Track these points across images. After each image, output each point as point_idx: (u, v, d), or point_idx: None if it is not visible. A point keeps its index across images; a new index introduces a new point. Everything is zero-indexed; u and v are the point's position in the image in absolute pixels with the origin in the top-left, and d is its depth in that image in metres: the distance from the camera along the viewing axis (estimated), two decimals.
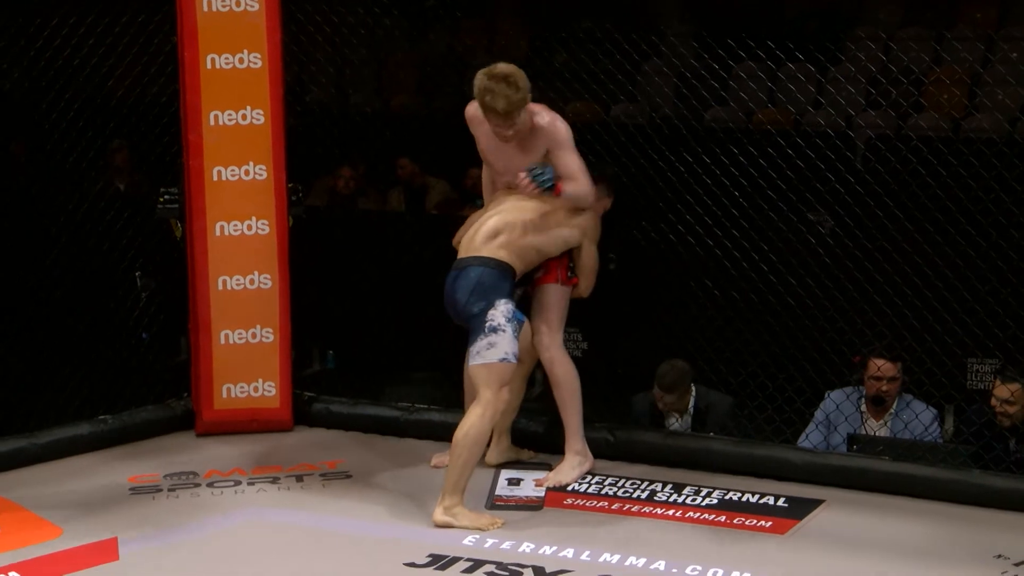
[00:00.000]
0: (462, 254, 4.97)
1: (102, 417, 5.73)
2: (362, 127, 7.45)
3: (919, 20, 7.87)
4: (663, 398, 5.89)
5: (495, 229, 4.92)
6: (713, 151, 6.08)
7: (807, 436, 5.69)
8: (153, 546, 4.54)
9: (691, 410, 5.91)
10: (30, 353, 6.56)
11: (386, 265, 7.09)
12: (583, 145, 7.00)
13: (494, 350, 4.72)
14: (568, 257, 5.12)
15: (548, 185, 4.89)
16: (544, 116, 4.98)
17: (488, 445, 4.99)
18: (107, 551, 4.46)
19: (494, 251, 4.87)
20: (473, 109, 5.04)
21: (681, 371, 5.90)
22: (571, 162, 4.99)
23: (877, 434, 5.59)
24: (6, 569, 4.30)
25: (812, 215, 6.59)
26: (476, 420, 4.70)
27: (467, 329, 4.85)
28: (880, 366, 5.63)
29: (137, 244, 6.39)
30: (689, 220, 6.07)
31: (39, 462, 5.32)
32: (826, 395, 5.77)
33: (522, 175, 4.87)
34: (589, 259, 5.15)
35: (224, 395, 5.84)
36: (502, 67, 4.85)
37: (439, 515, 4.67)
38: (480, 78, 4.84)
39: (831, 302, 5.99)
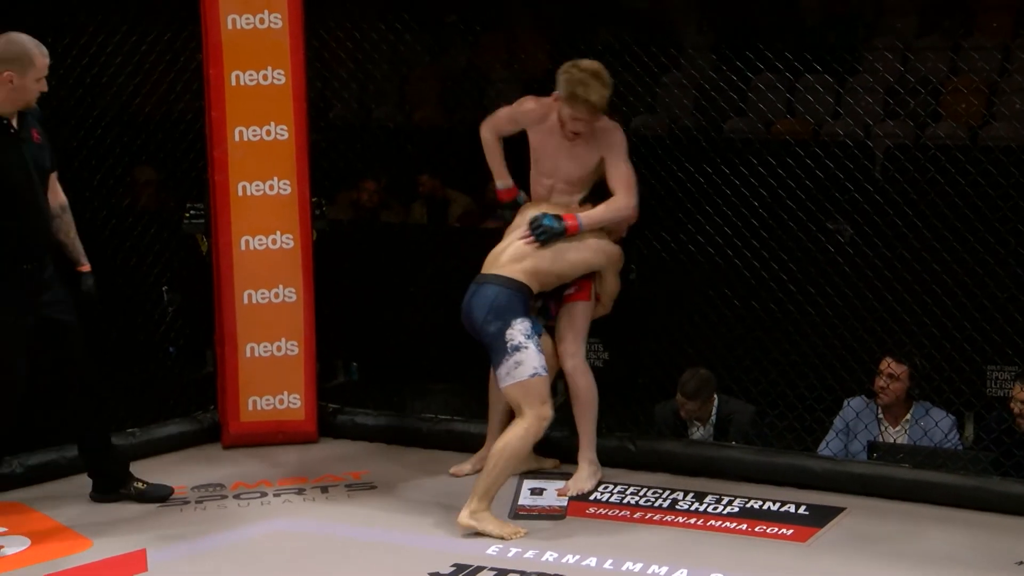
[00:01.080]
0: (486, 269, 4.99)
1: (130, 430, 5.76)
2: (384, 141, 7.47)
3: (936, 30, 7.85)
4: (685, 405, 5.89)
5: (523, 254, 4.93)
6: (732, 162, 6.08)
7: (827, 444, 5.68)
8: (181, 557, 4.57)
9: (713, 418, 5.91)
10: (58, 367, 6.59)
11: (409, 277, 7.11)
12: None
13: (522, 367, 4.73)
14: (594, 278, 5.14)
15: (550, 234, 4.91)
16: (608, 121, 4.98)
17: None
18: (136, 562, 4.49)
19: (515, 272, 4.89)
20: (535, 103, 5.03)
21: (703, 378, 5.90)
22: (625, 171, 4.98)
23: (896, 441, 5.58)
24: None
25: (831, 224, 6.58)
26: (517, 434, 4.72)
27: (484, 345, 4.85)
28: (885, 363, 5.63)
29: (164, 259, 6.43)
30: (709, 231, 6.07)
31: (69, 475, 5.36)
32: (845, 403, 5.76)
33: (525, 236, 4.97)
34: (612, 287, 5.21)
35: (250, 408, 5.87)
36: (591, 63, 4.87)
37: (465, 517, 4.68)
38: (571, 71, 4.84)
39: (850, 310, 5.97)
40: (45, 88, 4.54)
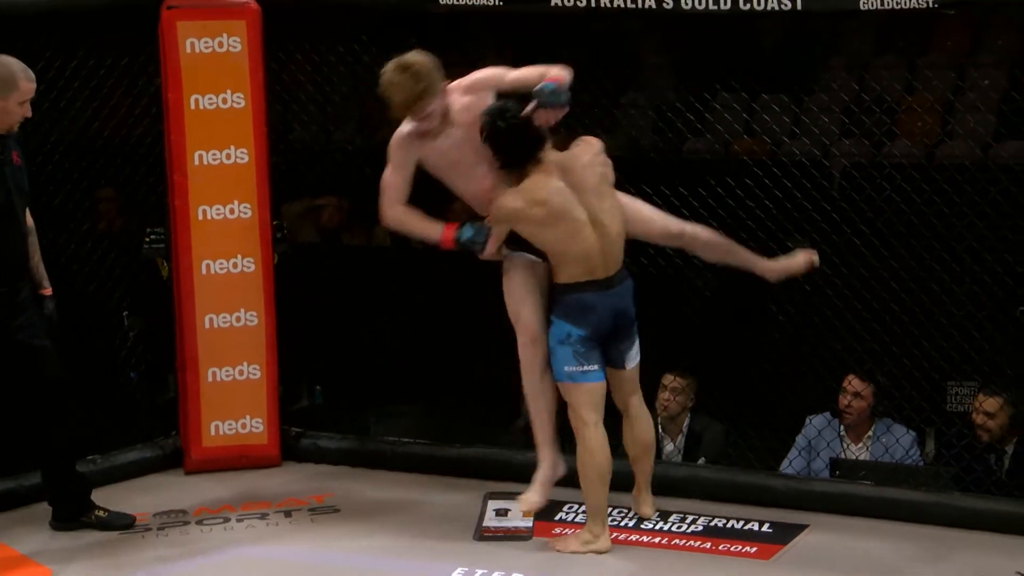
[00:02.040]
0: (609, 267, 4.62)
1: (90, 457, 5.69)
2: (345, 163, 7.45)
3: (892, 48, 7.92)
4: (671, 384, 5.85)
5: (620, 232, 4.70)
6: (692, 182, 6.11)
7: (790, 462, 5.70)
8: None
9: (684, 433, 5.91)
10: (17, 394, 6.52)
11: (372, 299, 7.09)
12: None
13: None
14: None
15: (480, 239, 4.64)
16: (462, 96, 4.58)
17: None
18: None
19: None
20: (402, 132, 4.66)
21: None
22: (517, 72, 4.58)
23: (858, 458, 5.60)
24: None
25: (791, 243, 6.61)
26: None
27: (612, 338, 4.68)
28: (852, 381, 5.66)
29: (124, 284, 6.38)
30: (668, 251, 6.08)
31: (27, 504, 5.29)
32: (807, 420, 5.79)
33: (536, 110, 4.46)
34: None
35: (212, 432, 5.83)
36: (402, 57, 4.54)
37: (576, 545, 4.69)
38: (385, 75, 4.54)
39: (810, 328, 6.01)
40: (28, 113, 4.50)
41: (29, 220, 4.81)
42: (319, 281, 7.10)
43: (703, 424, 5.93)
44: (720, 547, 4.79)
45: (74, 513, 5.00)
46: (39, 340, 4.70)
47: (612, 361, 4.71)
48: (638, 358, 4.76)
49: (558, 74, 4.55)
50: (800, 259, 4.91)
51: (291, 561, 4.73)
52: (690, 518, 5.06)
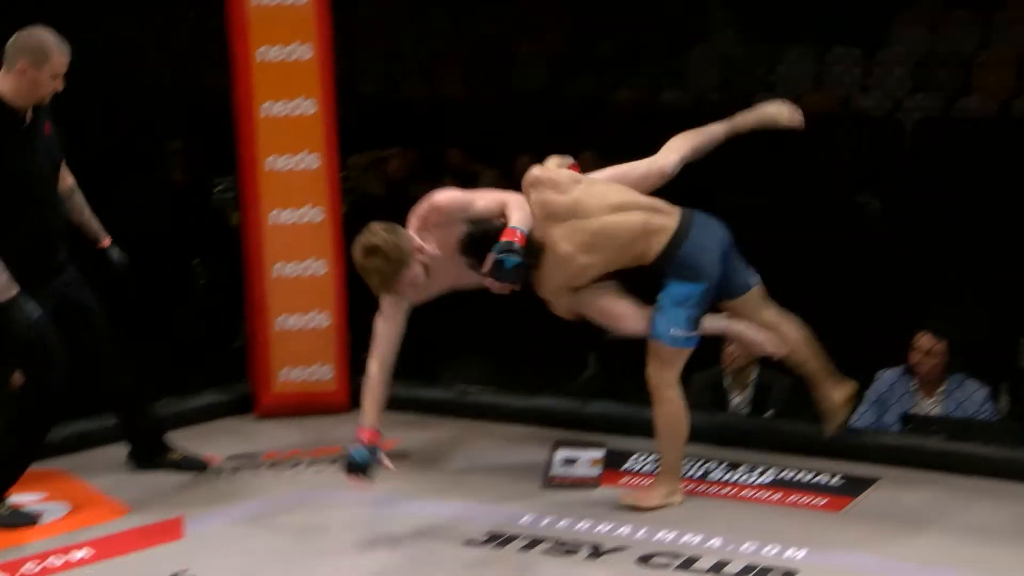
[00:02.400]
0: (671, 213, 4.59)
1: (164, 401, 5.77)
2: (411, 116, 7.47)
3: (966, 2, 7.79)
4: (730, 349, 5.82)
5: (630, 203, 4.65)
6: (759, 137, 6.05)
7: (860, 416, 5.65)
8: (217, 525, 4.58)
9: (752, 387, 5.87)
10: (84, 345, 6.60)
11: None
12: (629, 131, 7.01)
13: None
14: None
15: (513, 262, 4.38)
16: (435, 230, 4.54)
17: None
18: (173, 530, 4.50)
19: None
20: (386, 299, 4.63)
21: None
22: (484, 200, 4.55)
23: (930, 413, 5.55)
24: (80, 545, 4.35)
25: (860, 198, 6.55)
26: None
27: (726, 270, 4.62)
28: (921, 338, 5.59)
29: (195, 233, 6.43)
30: (734, 206, 6.03)
31: (107, 444, 5.37)
32: (878, 375, 5.73)
33: (489, 282, 4.46)
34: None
35: (282, 378, 5.88)
36: (359, 250, 4.48)
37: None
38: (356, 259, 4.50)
39: (880, 283, 5.95)
40: (60, 87, 4.43)
41: (70, 179, 4.79)
42: None
43: (771, 377, 5.88)
44: (789, 499, 4.76)
45: (149, 454, 5.07)
46: (82, 295, 4.73)
47: (738, 288, 4.66)
48: (757, 275, 4.71)
49: (516, 222, 4.44)
50: (781, 109, 4.76)
51: (359, 506, 4.75)
52: (759, 469, 5.03)
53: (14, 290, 4.31)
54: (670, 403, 4.64)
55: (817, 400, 4.86)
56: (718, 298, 4.68)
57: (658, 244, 4.52)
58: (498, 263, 4.37)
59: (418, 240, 4.51)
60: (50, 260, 4.58)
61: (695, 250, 4.51)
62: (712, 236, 4.56)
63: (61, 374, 4.56)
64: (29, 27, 4.43)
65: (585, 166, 4.85)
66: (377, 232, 4.48)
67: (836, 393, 4.86)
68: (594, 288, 4.65)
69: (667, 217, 4.57)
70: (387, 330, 4.74)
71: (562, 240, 4.51)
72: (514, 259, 4.37)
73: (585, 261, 4.52)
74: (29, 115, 4.43)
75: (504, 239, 4.39)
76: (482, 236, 4.46)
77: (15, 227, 4.39)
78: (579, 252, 4.51)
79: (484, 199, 4.60)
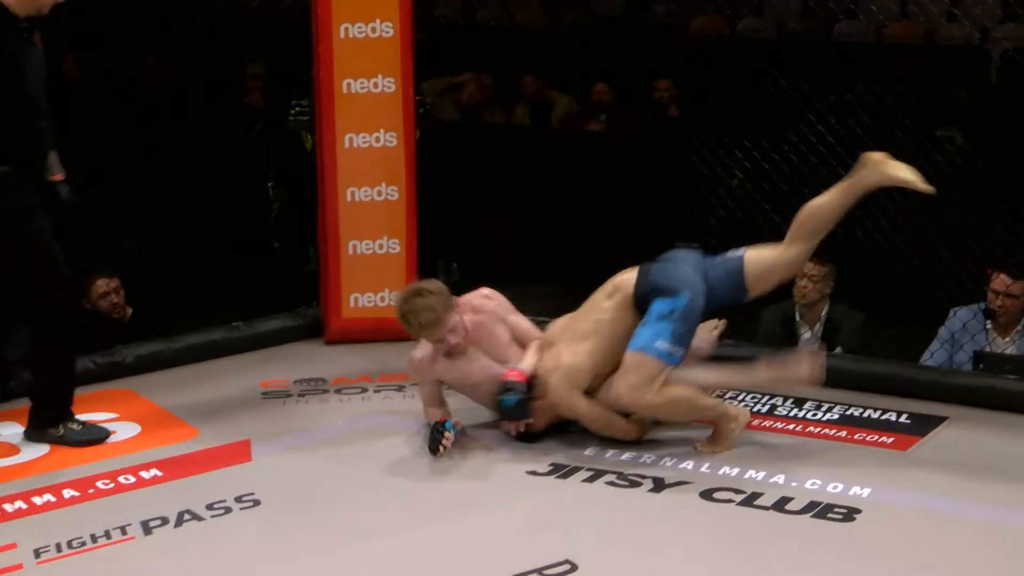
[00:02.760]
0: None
1: (235, 324, 5.84)
2: (488, 42, 7.41)
3: None
4: (810, 272, 5.72)
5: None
6: (841, 66, 5.92)
7: (931, 354, 5.56)
8: (283, 448, 4.63)
9: (822, 322, 5.80)
10: (168, 261, 6.68)
11: (510, 178, 7.07)
12: (706, 62, 6.88)
13: None
14: None
15: (512, 400, 4.49)
16: (473, 306, 4.70)
17: None
18: (240, 452, 4.56)
19: None
20: (420, 355, 4.69)
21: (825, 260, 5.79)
22: (525, 325, 4.76)
23: (1004, 352, 5.44)
24: (148, 466, 4.42)
25: (941, 131, 6.39)
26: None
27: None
28: (1000, 280, 5.46)
29: (270, 156, 6.45)
30: (812, 139, 5.93)
31: (176, 365, 5.44)
32: (952, 312, 5.62)
33: (504, 424, 4.60)
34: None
35: (352, 304, 5.90)
36: (400, 301, 4.59)
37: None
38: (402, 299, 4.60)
39: (959, 220, 5.82)
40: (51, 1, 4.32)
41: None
42: (459, 159, 7.10)
43: (842, 313, 5.79)
44: (856, 436, 4.71)
45: (51, 421, 4.62)
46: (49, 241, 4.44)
47: (736, 273, 4.51)
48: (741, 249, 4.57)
49: (524, 364, 4.58)
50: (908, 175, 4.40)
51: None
52: (826, 406, 4.97)
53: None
54: (660, 396, 4.41)
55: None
56: (718, 311, 4.63)
57: (630, 287, 4.49)
58: (499, 403, 4.53)
59: (458, 320, 4.59)
60: (29, 182, 4.39)
61: (662, 272, 4.46)
62: (680, 265, 4.48)
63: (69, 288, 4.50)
64: None
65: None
66: (425, 282, 4.66)
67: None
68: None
69: (629, 273, 4.56)
70: (425, 392, 4.78)
71: (548, 358, 4.55)
72: (512, 397, 4.49)
73: (569, 360, 4.50)
74: (24, 24, 4.32)
75: (505, 379, 4.53)
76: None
77: (18, 135, 4.28)
78: (561, 355, 4.52)
79: (522, 317, 4.81)
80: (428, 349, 4.68)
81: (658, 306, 4.41)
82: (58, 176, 4.48)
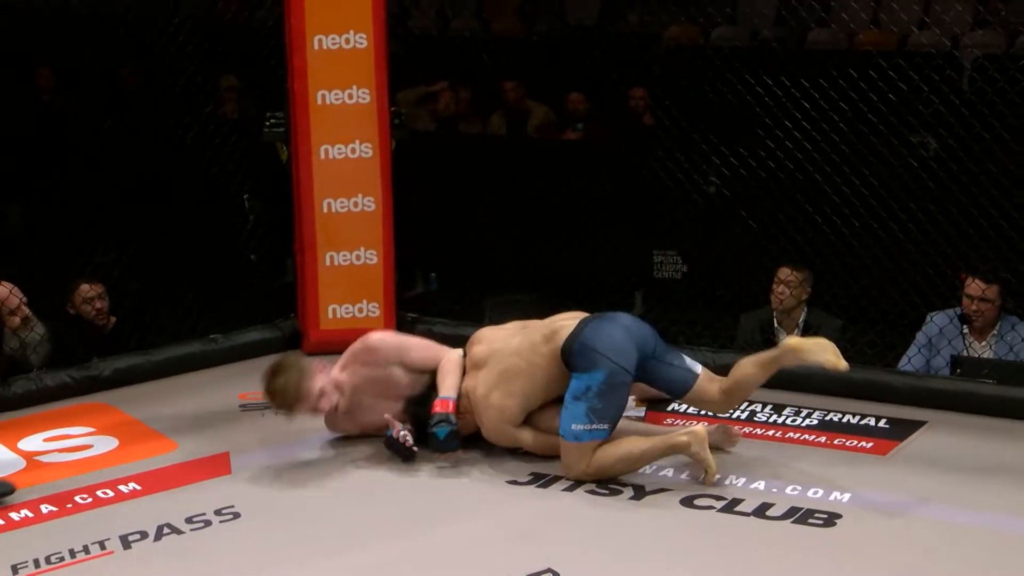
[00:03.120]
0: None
1: (212, 336, 5.81)
2: (462, 51, 7.41)
3: None
4: (779, 273, 5.74)
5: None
6: (814, 74, 5.95)
7: (909, 359, 5.58)
8: (263, 460, 4.60)
9: (800, 327, 5.81)
10: (145, 274, 6.65)
11: (487, 188, 7.07)
12: (680, 70, 6.90)
13: None
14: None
15: (445, 431, 4.46)
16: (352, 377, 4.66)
17: None
18: (220, 465, 4.53)
19: None
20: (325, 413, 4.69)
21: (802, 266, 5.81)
22: (418, 354, 4.69)
23: (981, 356, 5.46)
24: (127, 479, 4.39)
25: (915, 137, 6.42)
26: None
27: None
28: (974, 285, 5.48)
29: (245, 167, 6.43)
30: (788, 145, 5.95)
31: (154, 378, 5.41)
32: (928, 317, 5.64)
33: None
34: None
35: (330, 315, 5.88)
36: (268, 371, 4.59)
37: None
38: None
39: (934, 225, 5.85)
40: None
41: None
42: (435, 169, 7.09)
43: (820, 318, 5.81)
44: (835, 441, 4.72)
45: None
46: None
47: (679, 384, 4.50)
48: (698, 365, 4.55)
49: (446, 390, 4.55)
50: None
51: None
52: (805, 411, 4.99)
53: None
54: (598, 472, 4.35)
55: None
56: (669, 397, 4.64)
57: (562, 339, 4.45)
58: (433, 436, 4.47)
59: (322, 385, 4.56)
60: None
61: (590, 339, 4.38)
62: (614, 328, 4.42)
63: None
64: None
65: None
66: (283, 359, 4.64)
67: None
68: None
69: (571, 321, 4.52)
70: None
71: (480, 385, 4.53)
72: (444, 428, 4.46)
73: (499, 401, 4.50)
74: None
75: (435, 411, 4.49)
76: (420, 412, 4.55)
77: None
78: (492, 392, 4.50)
79: (420, 350, 4.71)
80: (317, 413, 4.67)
81: (574, 384, 4.37)
82: None
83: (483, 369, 4.56)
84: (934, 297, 5.67)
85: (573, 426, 4.35)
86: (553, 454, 4.48)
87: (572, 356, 4.41)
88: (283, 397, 4.53)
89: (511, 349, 4.55)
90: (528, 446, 4.55)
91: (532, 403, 4.52)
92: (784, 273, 5.80)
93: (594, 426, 4.35)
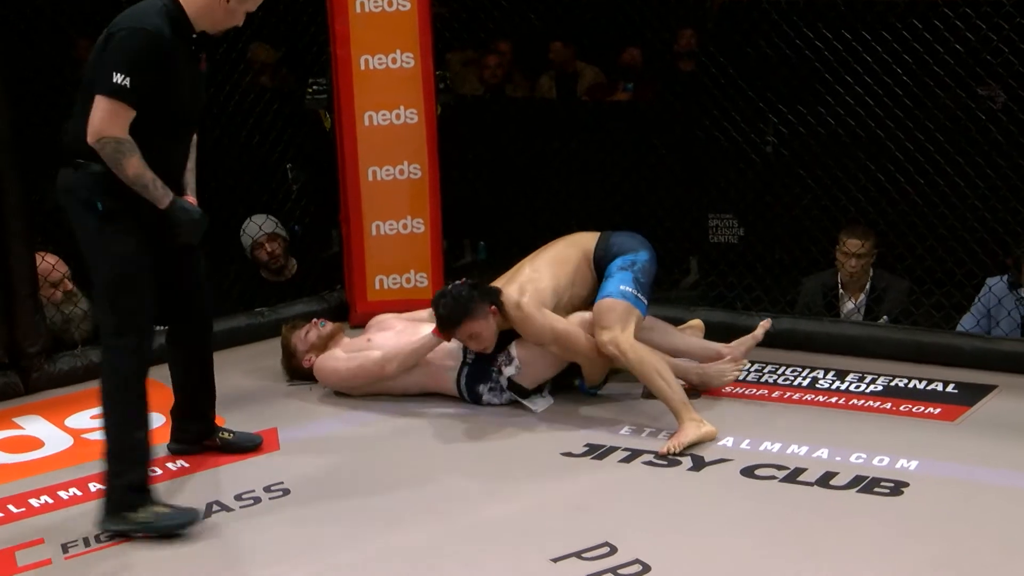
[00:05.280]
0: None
1: (259, 310, 5.86)
2: (510, 12, 7.37)
3: None
4: (845, 245, 5.73)
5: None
6: (875, 25, 5.88)
7: (967, 325, 5.51)
8: (312, 436, 4.66)
9: (867, 291, 5.77)
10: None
11: (536, 152, 7.05)
12: (735, 25, 6.83)
13: None
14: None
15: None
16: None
17: None
18: (268, 441, 4.58)
19: None
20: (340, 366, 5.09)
21: (867, 229, 5.77)
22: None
23: None
24: (174, 458, 4.45)
25: (983, 90, 6.34)
26: None
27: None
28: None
29: (287, 137, 6.46)
30: (849, 101, 5.89)
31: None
32: (986, 284, 5.55)
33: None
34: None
35: (377, 286, 5.93)
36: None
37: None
38: None
39: (1004, 181, 5.78)
40: (240, 21, 4.02)
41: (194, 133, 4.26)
42: (483, 134, 7.09)
43: (886, 280, 5.77)
44: (901, 407, 4.70)
45: (200, 433, 4.53)
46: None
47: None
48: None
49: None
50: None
51: (459, 415, 4.80)
52: (869, 378, 4.98)
53: (169, 197, 3.92)
54: (632, 351, 4.56)
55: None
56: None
57: (591, 244, 4.85)
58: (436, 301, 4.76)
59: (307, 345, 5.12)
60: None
61: (621, 239, 4.84)
62: (635, 236, 4.90)
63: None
64: None
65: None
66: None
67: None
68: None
69: (588, 235, 4.95)
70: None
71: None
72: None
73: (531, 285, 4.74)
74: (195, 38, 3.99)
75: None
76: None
77: (153, 152, 3.89)
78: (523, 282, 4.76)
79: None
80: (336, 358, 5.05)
81: (619, 261, 4.73)
82: (191, 198, 4.16)
83: (506, 278, 4.82)
84: (1004, 257, 5.60)
85: (621, 287, 4.64)
86: (572, 348, 4.65)
87: (610, 248, 4.77)
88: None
89: (533, 261, 4.86)
90: (560, 330, 4.65)
91: (560, 288, 4.75)
92: (853, 245, 5.72)
93: (639, 295, 4.66)
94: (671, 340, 4.93)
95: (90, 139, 3.82)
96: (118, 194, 3.87)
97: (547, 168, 7.04)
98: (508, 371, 4.78)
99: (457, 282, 4.73)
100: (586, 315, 4.71)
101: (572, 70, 8.06)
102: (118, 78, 3.77)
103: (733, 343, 5.00)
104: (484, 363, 4.82)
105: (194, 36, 3.96)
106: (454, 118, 6.20)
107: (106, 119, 3.79)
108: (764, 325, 5.04)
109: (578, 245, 4.88)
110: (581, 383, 4.90)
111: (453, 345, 4.83)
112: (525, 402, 4.80)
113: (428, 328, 4.86)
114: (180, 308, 4.28)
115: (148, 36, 3.81)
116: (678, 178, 6.69)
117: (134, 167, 3.83)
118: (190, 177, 4.21)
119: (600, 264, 4.81)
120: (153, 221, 3.94)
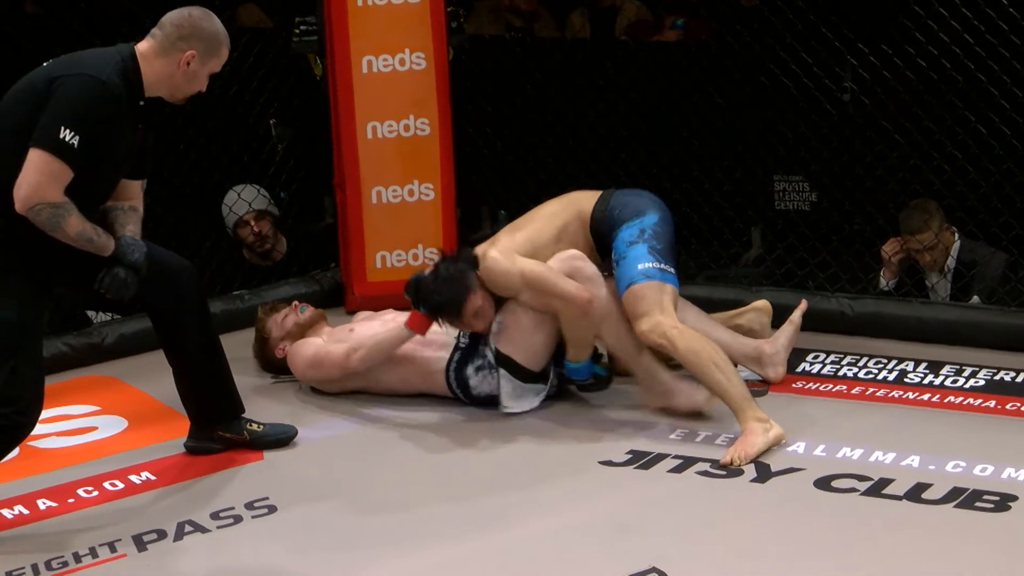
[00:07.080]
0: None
1: (237, 293, 5.87)
2: None
3: None
4: (910, 244, 5.73)
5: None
6: None
7: None
8: (300, 442, 4.64)
9: (951, 267, 5.74)
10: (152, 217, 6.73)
11: (566, 104, 7.05)
12: None
13: None
14: None
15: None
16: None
17: None
18: (249, 449, 4.56)
19: None
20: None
21: (926, 210, 5.74)
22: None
23: None
24: (138, 468, 4.46)
25: None
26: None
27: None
28: None
29: (271, 86, 6.46)
30: (943, 38, 5.87)
31: None
32: None
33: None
34: None
35: (378, 265, 5.95)
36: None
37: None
38: None
39: None
40: (203, 87, 4.16)
41: (139, 202, 4.33)
42: (503, 82, 7.09)
43: (978, 253, 5.74)
44: (1008, 406, 4.69)
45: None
46: None
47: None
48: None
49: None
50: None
51: (481, 416, 4.81)
52: (968, 370, 4.97)
53: (111, 242, 4.08)
54: (681, 338, 4.57)
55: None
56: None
57: (588, 204, 4.89)
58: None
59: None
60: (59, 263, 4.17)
61: (626, 194, 4.89)
62: (642, 194, 4.95)
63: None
64: (197, 7, 4.16)
65: None
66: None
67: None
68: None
69: (587, 193, 4.99)
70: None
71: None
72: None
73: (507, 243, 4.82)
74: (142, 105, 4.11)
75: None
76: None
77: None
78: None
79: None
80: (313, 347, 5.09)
81: (624, 233, 4.75)
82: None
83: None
84: None
85: (640, 266, 4.66)
86: (555, 291, 4.63)
87: (610, 211, 4.80)
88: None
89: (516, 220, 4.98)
90: (530, 272, 4.68)
91: (540, 242, 4.80)
92: (926, 238, 5.70)
93: (663, 266, 4.68)
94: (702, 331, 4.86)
95: (21, 206, 3.88)
96: (8, 247, 3.96)
97: (579, 123, 7.04)
98: (492, 332, 4.79)
99: (424, 271, 4.82)
100: (562, 255, 4.73)
101: (609, 4, 8.06)
102: (65, 134, 3.86)
103: (770, 338, 5.02)
104: (475, 341, 4.86)
105: (141, 104, 4.05)
106: (469, 63, 6.19)
107: (44, 183, 3.87)
108: (800, 307, 5.07)
109: (572, 204, 4.94)
110: (567, 366, 4.85)
111: (435, 336, 4.85)
112: (513, 382, 4.77)
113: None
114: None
115: (104, 90, 3.90)
116: (738, 134, 6.68)
117: (74, 227, 3.95)
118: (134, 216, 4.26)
119: (599, 230, 4.83)
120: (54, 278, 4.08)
